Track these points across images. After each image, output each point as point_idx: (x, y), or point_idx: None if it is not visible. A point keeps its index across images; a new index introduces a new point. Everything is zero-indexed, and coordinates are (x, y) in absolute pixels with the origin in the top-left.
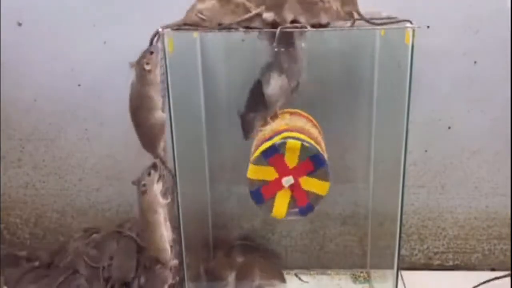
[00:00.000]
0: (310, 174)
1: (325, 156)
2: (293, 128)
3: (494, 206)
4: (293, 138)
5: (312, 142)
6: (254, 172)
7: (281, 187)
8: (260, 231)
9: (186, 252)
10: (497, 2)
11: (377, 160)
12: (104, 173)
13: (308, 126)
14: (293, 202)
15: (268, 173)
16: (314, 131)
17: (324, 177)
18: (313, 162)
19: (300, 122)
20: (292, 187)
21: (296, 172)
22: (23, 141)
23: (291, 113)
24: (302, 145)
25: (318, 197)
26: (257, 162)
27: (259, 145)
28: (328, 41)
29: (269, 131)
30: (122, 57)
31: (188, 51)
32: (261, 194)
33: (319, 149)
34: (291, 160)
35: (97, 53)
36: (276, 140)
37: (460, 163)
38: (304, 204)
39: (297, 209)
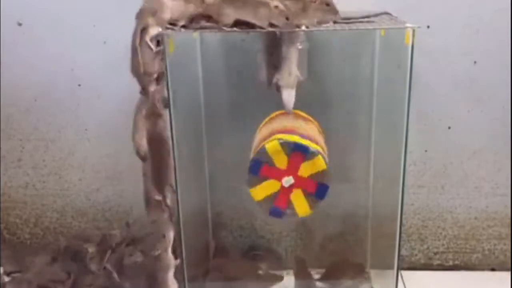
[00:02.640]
0: (303, 161)
1: (325, 155)
2: (272, 132)
3: (494, 206)
4: (323, 157)
5: (287, 137)
6: (257, 193)
7: (277, 178)
8: (260, 231)
9: (186, 252)
10: (497, 2)
11: (377, 160)
12: (104, 173)
13: (298, 124)
14: (307, 194)
15: (270, 186)
16: (306, 127)
17: (312, 205)
18: (299, 151)
19: (287, 121)
20: (297, 183)
21: (291, 169)
22: (23, 141)
23: (297, 115)
24: (281, 143)
25: (323, 173)
26: (252, 183)
27: (277, 133)
28: (328, 41)
29: (290, 127)
30: (122, 57)
31: (188, 51)
32: (278, 209)
33: (296, 137)
34: (281, 161)
35: (97, 53)
36: (254, 154)
37: (460, 163)
38: (315, 189)
39: (313, 197)
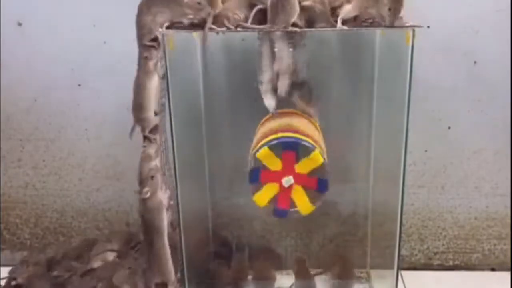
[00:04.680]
0: (306, 189)
1: (323, 151)
2: (308, 134)
3: (494, 206)
4: (320, 151)
5: (278, 136)
6: (261, 199)
7: (276, 180)
8: (260, 231)
9: (186, 253)
10: (497, 2)
11: (377, 160)
12: (104, 173)
13: (317, 135)
14: (275, 200)
15: (275, 163)
16: (302, 125)
17: (314, 201)
18: (318, 184)
19: (305, 126)
20: (296, 181)
21: (287, 168)
22: (23, 141)
23: (293, 114)
24: (323, 163)
25: (322, 168)
26: (253, 190)
27: (271, 134)
28: (328, 41)
29: (284, 125)
30: (122, 57)
31: (188, 51)
32: (258, 175)
33: (329, 176)
34: (274, 164)
35: (97, 53)
36: (299, 137)
37: (460, 163)
38: (316, 184)
39: (316, 192)
